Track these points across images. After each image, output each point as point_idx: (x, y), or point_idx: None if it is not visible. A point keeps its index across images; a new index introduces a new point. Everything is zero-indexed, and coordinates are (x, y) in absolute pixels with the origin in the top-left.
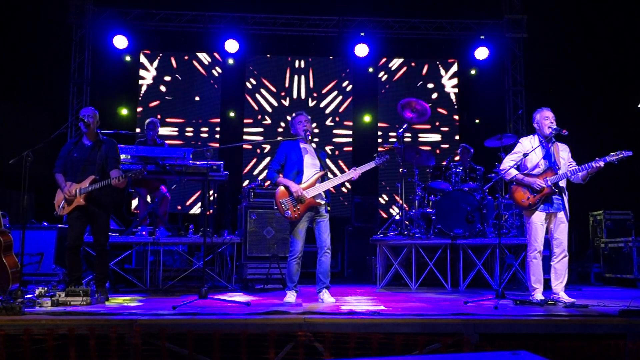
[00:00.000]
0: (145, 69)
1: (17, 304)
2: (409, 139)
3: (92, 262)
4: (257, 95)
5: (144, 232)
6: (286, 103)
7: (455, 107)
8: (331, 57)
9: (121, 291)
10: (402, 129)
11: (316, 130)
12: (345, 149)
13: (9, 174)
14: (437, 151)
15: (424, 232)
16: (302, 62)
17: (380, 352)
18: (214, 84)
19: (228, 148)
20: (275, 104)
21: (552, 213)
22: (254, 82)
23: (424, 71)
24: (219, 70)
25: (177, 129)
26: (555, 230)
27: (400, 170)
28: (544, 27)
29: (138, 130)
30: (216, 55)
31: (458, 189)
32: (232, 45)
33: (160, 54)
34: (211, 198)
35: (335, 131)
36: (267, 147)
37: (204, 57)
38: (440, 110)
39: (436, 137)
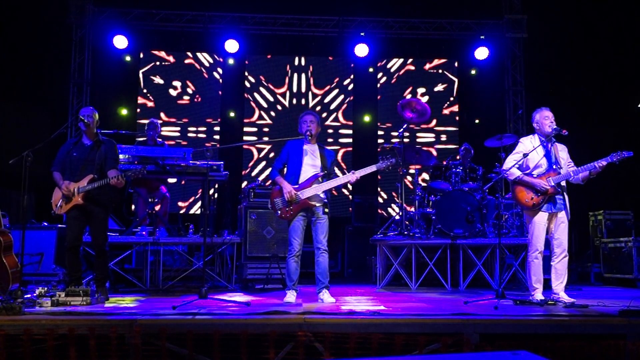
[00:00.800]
0: (145, 69)
1: (17, 304)
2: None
3: (92, 262)
4: (257, 96)
5: (144, 232)
6: (286, 103)
7: (456, 107)
8: (331, 57)
9: (121, 291)
10: (402, 129)
11: None
12: (345, 149)
13: (9, 174)
14: (434, 151)
15: (424, 232)
16: (302, 62)
17: (380, 352)
18: (214, 84)
19: (228, 148)
20: (276, 104)
21: (553, 213)
22: (254, 82)
23: (424, 71)
24: (219, 70)
25: (177, 129)
26: (555, 230)
27: (400, 170)
28: (544, 27)
29: (145, 128)
30: (216, 55)
31: (458, 189)
32: (232, 45)
33: (160, 54)
34: (211, 199)
35: (335, 131)
36: (266, 147)
37: (204, 57)
38: (439, 110)
39: (436, 138)
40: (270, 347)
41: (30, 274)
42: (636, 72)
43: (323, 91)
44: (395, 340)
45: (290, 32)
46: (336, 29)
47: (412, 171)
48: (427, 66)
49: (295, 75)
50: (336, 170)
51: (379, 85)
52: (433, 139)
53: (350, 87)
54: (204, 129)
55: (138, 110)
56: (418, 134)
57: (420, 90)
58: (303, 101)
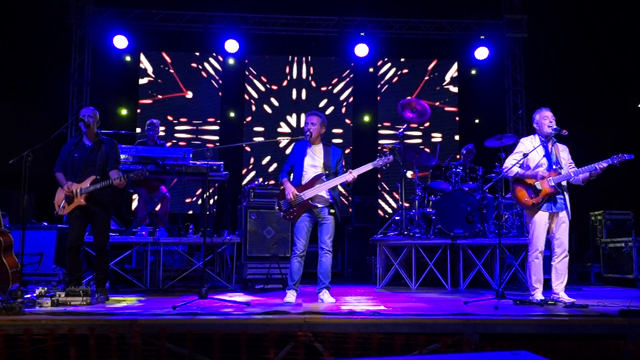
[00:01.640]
0: (145, 69)
1: (17, 304)
2: (418, 139)
3: (92, 262)
4: (257, 95)
5: (144, 232)
6: (286, 103)
7: (456, 107)
8: (331, 57)
9: (121, 291)
10: (402, 129)
11: None
12: (345, 149)
13: (9, 174)
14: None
15: (424, 232)
16: (302, 62)
17: (380, 352)
18: (214, 84)
19: (228, 148)
20: (276, 104)
21: (554, 213)
22: (254, 82)
23: (424, 71)
24: (219, 70)
25: (177, 128)
26: (556, 230)
27: (401, 170)
28: (544, 27)
29: (138, 130)
30: (216, 55)
31: (458, 189)
32: (232, 45)
33: (160, 54)
34: (211, 201)
35: (335, 131)
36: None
37: (204, 57)
38: (440, 110)
39: (436, 138)
40: (270, 347)
41: (30, 274)
42: (636, 72)
43: (323, 91)
44: (395, 340)
45: (290, 32)
46: (336, 29)
47: (409, 173)
48: (427, 66)
49: (295, 75)
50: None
51: (379, 85)
52: (433, 140)
53: (350, 87)
54: (204, 128)
55: (138, 110)
56: (419, 134)
57: (420, 90)
58: (302, 101)
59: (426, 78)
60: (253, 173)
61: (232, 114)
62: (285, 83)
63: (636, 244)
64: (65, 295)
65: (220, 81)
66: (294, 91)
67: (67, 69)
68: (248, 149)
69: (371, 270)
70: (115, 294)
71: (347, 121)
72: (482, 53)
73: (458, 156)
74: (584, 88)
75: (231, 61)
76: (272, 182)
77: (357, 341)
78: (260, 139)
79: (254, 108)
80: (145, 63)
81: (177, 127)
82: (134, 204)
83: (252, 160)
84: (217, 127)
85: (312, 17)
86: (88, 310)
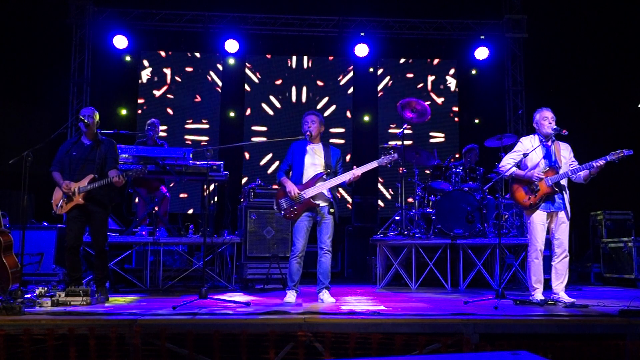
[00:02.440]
0: (145, 69)
1: (17, 304)
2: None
3: (92, 262)
4: (257, 95)
5: (144, 232)
6: (286, 103)
7: (456, 107)
8: (331, 57)
9: (121, 291)
10: (402, 129)
11: None
12: (345, 148)
13: (9, 174)
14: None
15: (424, 232)
16: (302, 62)
17: (380, 352)
18: (214, 84)
19: (228, 148)
20: (276, 103)
21: (553, 212)
22: (254, 82)
23: (424, 71)
24: (219, 70)
25: (177, 128)
26: (556, 230)
27: (400, 170)
28: (544, 27)
29: (145, 128)
30: (216, 55)
31: (458, 189)
32: (232, 45)
33: (160, 54)
34: (211, 201)
35: (335, 130)
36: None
37: (204, 57)
38: (440, 110)
39: (436, 137)
40: (270, 347)
41: (30, 274)
42: (636, 72)
43: (323, 91)
44: (395, 340)
45: (290, 32)
46: (336, 29)
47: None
48: (427, 66)
49: (295, 75)
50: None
51: (378, 85)
52: (432, 139)
53: (350, 87)
54: (204, 128)
55: (139, 111)
56: (419, 134)
57: (420, 90)
58: (303, 101)
59: (426, 78)
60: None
61: (232, 114)
62: (285, 83)
63: (636, 244)
64: (65, 295)
65: (220, 81)
66: (294, 91)
67: (67, 69)
68: (247, 155)
69: (371, 270)
70: (115, 294)
71: (347, 121)
72: (482, 53)
73: (457, 155)
74: (584, 88)
75: (231, 61)
76: (274, 186)
77: (357, 341)
78: (261, 139)
79: (254, 108)
80: (145, 63)
81: (177, 127)
82: (134, 204)
83: (247, 156)
84: (217, 127)
85: (312, 17)
86: (88, 310)
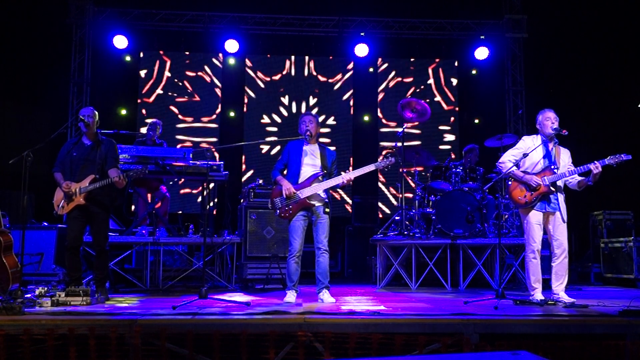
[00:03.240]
0: (145, 69)
1: (17, 304)
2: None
3: (92, 262)
4: (257, 95)
5: (144, 232)
6: (286, 103)
7: (456, 107)
8: (331, 57)
9: (121, 291)
10: (402, 129)
11: None
12: (345, 148)
13: (9, 174)
14: (418, 148)
15: (424, 232)
16: (302, 62)
17: (380, 352)
18: (214, 84)
19: (228, 148)
20: (276, 103)
21: (549, 213)
22: (254, 82)
23: (424, 71)
24: (219, 70)
25: (177, 128)
26: (554, 231)
27: (401, 170)
28: (544, 27)
29: (143, 130)
30: (216, 55)
31: (458, 189)
32: (232, 45)
33: (160, 54)
34: (211, 203)
35: (334, 130)
36: (265, 148)
37: (204, 57)
38: (440, 110)
39: (436, 138)
40: (270, 347)
41: (30, 274)
42: (636, 72)
43: (323, 91)
44: (395, 340)
45: (290, 32)
46: (336, 29)
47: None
48: (427, 66)
49: (295, 75)
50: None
51: (378, 85)
52: (432, 140)
53: (350, 87)
54: (204, 128)
55: (143, 110)
56: (419, 134)
57: (420, 90)
58: (303, 101)
59: (426, 78)
60: (249, 173)
61: (232, 114)
62: (285, 83)
63: (636, 244)
64: (65, 295)
65: (221, 81)
66: (294, 91)
67: (67, 69)
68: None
69: (371, 270)
70: (115, 294)
71: (347, 121)
72: (482, 53)
73: (453, 155)
74: (584, 88)
75: (231, 61)
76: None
77: (357, 341)
78: (260, 139)
79: (254, 108)
80: (145, 63)
81: (177, 127)
82: (134, 204)
83: (244, 156)
84: (217, 127)
85: (312, 17)
86: (88, 310)
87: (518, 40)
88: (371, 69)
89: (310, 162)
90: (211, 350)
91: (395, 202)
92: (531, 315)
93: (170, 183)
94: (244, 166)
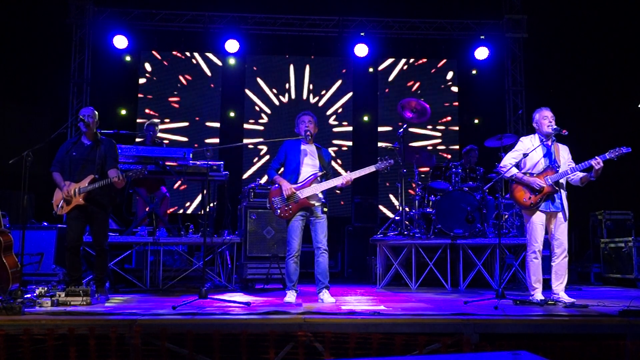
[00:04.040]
0: (145, 69)
1: (17, 304)
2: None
3: (92, 262)
4: (257, 95)
5: (144, 232)
6: (286, 103)
7: (456, 107)
8: (331, 57)
9: (121, 291)
10: (402, 129)
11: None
12: (345, 149)
13: (9, 174)
14: (423, 148)
15: (424, 232)
16: (302, 62)
17: (380, 352)
18: (214, 84)
19: (228, 148)
20: (276, 103)
21: (552, 213)
22: (254, 82)
23: (424, 71)
24: (219, 70)
25: (177, 129)
26: (555, 230)
27: (401, 170)
28: (544, 27)
29: (143, 127)
30: (216, 55)
31: (458, 189)
32: (232, 45)
33: (160, 54)
34: (212, 204)
35: (334, 131)
36: (265, 148)
37: (204, 57)
38: (439, 110)
39: (436, 138)
40: (270, 347)
41: (30, 274)
42: (636, 72)
43: (323, 91)
44: (395, 340)
45: (290, 32)
46: (336, 29)
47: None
48: (427, 66)
49: (295, 75)
50: (339, 169)
51: (378, 85)
52: (433, 140)
53: (350, 87)
54: (204, 128)
55: (141, 111)
56: (419, 134)
57: (420, 90)
58: (303, 101)
59: (426, 78)
60: (251, 171)
61: (232, 114)
62: (285, 83)
63: (636, 244)
64: (65, 295)
65: (221, 81)
66: (294, 91)
67: (67, 69)
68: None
69: (371, 270)
70: (115, 294)
71: (347, 121)
72: (482, 53)
73: (449, 156)
74: (584, 88)
75: (231, 61)
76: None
77: (357, 341)
78: (259, 139)
79: (254, 107)
80: (145, 63)
81: (177, 127)
82: (134, 204)
83: (255, 159)
84: (217, 127)
85: (312, 17)
86: (88, 310)
87: (518, 40)
88: (371, 69)
89: (310, 162)
90: (211, 350)
91: (395, 202)
92: (531, 315)
93: (175, 186)
94: (243, 166)
